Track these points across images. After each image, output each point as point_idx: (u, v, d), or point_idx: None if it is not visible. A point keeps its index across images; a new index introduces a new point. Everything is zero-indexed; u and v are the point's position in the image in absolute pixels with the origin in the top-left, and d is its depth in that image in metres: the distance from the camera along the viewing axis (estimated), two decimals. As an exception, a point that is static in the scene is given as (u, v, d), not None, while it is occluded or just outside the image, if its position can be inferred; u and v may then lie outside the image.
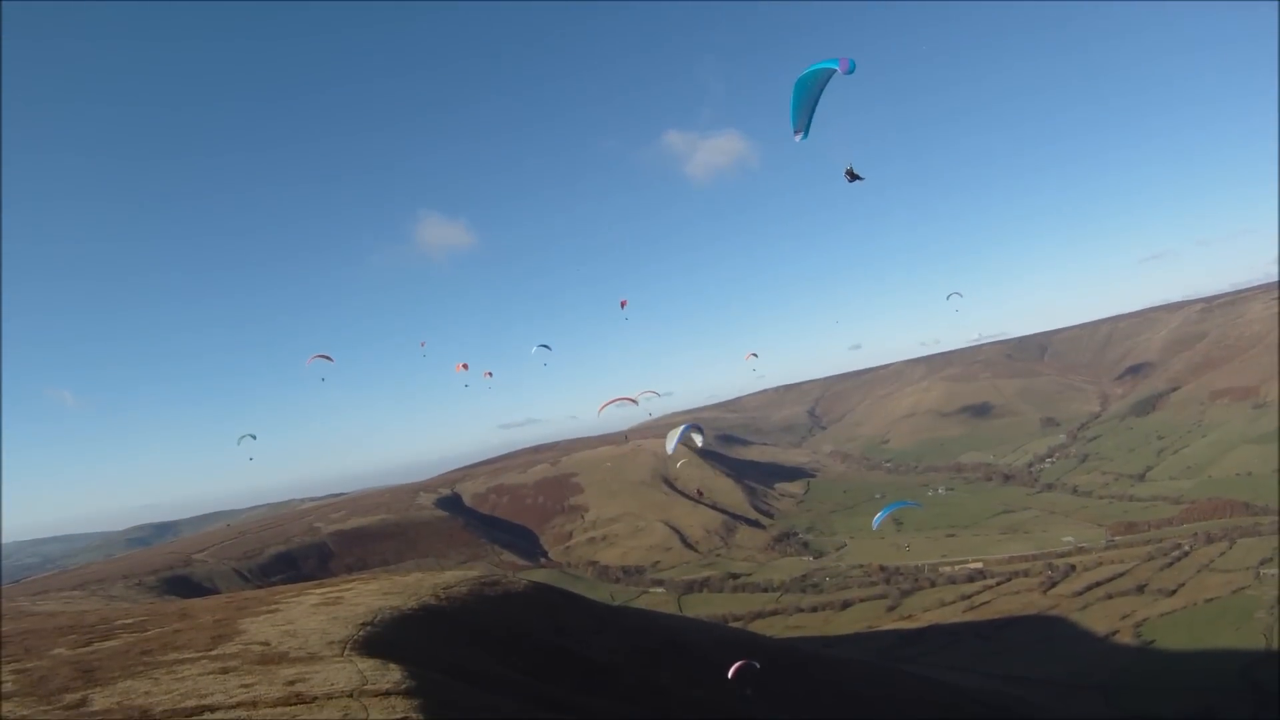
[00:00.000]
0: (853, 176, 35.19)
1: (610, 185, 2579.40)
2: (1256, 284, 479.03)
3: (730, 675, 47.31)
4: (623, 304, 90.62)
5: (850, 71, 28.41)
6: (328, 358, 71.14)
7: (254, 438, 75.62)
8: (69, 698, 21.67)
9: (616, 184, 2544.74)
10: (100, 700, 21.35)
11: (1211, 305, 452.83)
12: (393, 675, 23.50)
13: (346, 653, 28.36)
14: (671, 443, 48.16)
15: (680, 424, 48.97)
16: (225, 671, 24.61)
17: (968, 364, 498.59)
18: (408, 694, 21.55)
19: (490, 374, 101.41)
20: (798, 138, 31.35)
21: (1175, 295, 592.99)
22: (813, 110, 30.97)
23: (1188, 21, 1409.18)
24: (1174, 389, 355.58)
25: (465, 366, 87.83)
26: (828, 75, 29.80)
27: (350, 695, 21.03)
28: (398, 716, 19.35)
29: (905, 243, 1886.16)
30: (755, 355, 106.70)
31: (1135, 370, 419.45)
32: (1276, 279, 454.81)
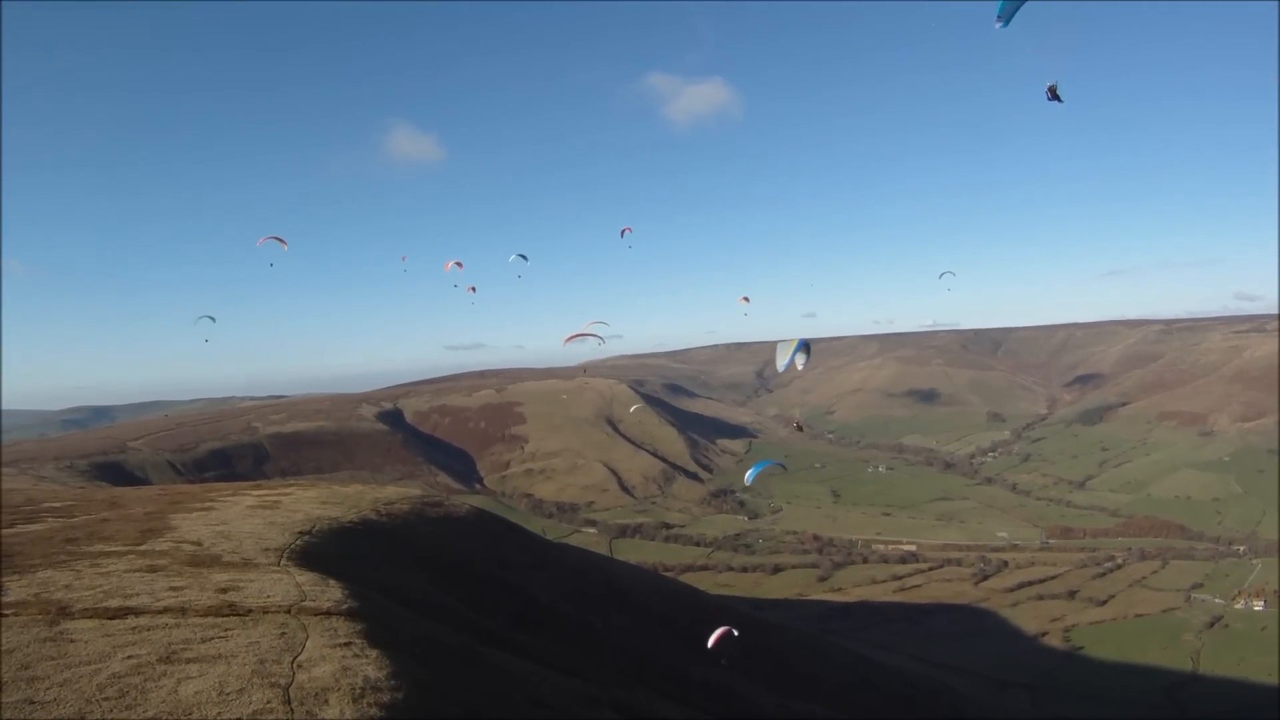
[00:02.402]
0: (1054, 95, 32.72)
1: (586, 120, 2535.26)
2: (1215, 315, 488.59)
3: (711, 644, 46.62)
4: (625, 231, 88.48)
5: None
6: (281, 240, 67.68)
7: (213, 319, 72.57)
8: (-18, 584, 19.86)
9: (592, 119, 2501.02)
10: (16, 590, 19.55)
11: (1171, 328, 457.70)
12: (333, 593, 21.98)
13: (283, 562, 26.82)
14: (783, 360, 46.28)
15: (792, 341, 46.93)
16: (153, 570, 22.92)
17: (921, 348, 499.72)
18: (349, 615, 20.02)
19: (474, 289, 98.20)
20: (998, 25, 28.70)
21: (1133, 313, 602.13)
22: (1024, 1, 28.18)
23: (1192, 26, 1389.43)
24: (1123, 404, 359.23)
25: (460, 265, 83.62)
26: None
27: (288, 611, 19.46)
28: (341, 641, 17.66)
29: (875, 218, 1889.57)
30: (747, 300, 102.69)
31: (1086, 380, 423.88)
32: (1243, 313, 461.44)
